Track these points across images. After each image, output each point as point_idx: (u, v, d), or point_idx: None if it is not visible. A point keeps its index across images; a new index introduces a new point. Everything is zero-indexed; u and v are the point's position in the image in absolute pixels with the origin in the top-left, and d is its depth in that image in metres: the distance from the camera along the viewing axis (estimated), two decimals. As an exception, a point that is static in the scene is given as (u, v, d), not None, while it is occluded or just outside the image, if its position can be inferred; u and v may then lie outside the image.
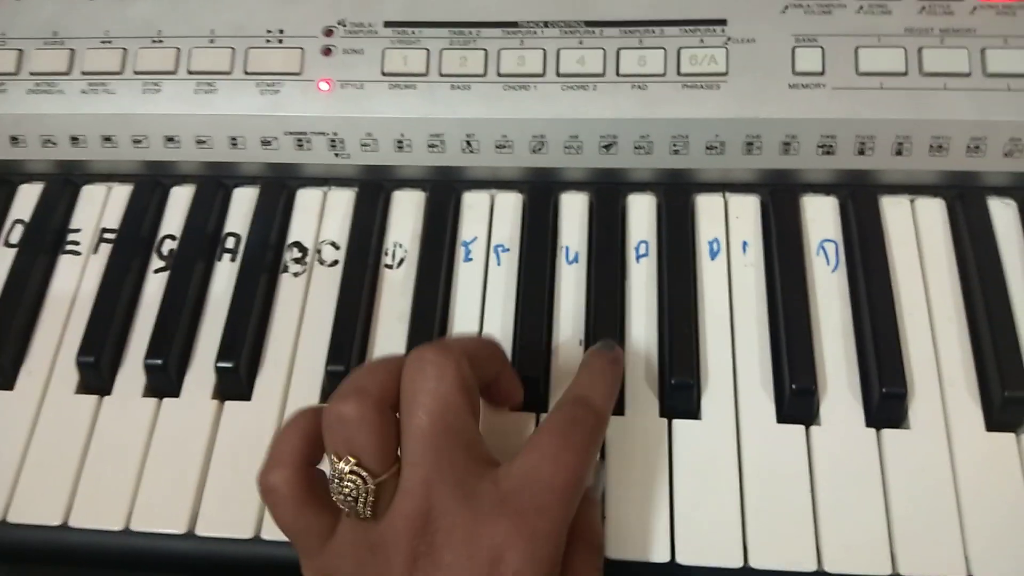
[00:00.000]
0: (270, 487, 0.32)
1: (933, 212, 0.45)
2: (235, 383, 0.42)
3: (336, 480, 0.31)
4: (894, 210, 0.45)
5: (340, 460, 0.31)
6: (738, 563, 0.37)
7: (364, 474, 0.30)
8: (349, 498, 0.31)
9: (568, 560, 0.32)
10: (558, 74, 0.44)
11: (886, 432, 0.39)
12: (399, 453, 0.32)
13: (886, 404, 0.39)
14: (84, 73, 0.47)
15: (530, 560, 0.30)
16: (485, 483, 0.31)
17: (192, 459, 0.40)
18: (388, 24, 0.46)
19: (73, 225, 0.48)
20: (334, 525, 0.32)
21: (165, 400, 0.42)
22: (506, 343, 0.42)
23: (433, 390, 0.31)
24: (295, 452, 0.32)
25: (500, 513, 0.30)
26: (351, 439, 0.31)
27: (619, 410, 0.40)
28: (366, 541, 0.31)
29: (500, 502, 0.31)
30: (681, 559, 0.37)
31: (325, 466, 0.32)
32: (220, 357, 0.42)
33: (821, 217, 0.45)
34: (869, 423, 0.39)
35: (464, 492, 0.31)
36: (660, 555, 0.37)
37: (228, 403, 0.42)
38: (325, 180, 0.48)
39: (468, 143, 0.45)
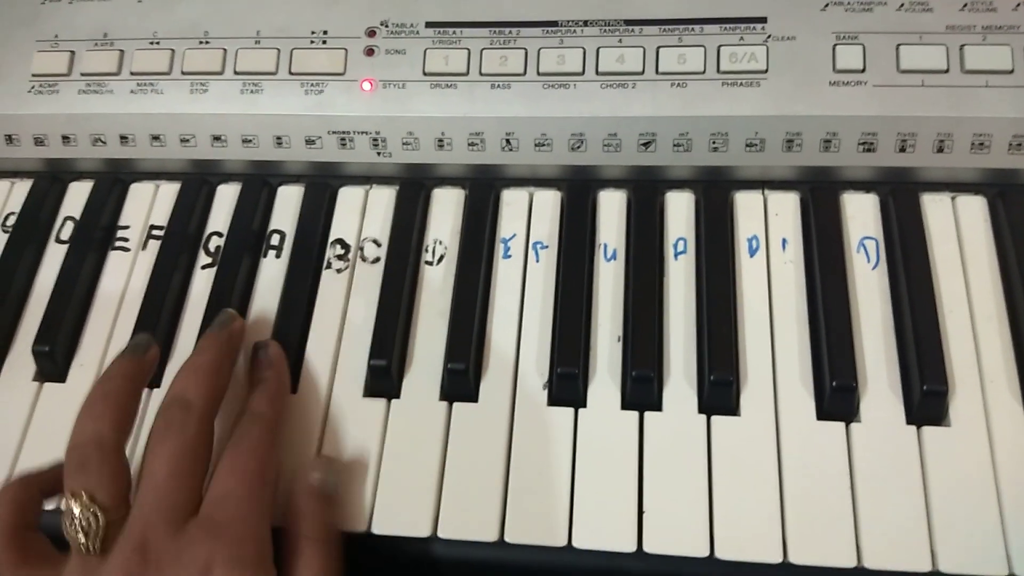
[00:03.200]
0: None
1: (974, 210, 0.44)
2: (281, 377, 0.43)
3: (69, 519, 0.34)
4: (935, 208, 0.44)
5: (75, 499, 0.34)
6: (778, 559, 0.37)
7: (97, 511, 0.34)
8: (80, 534, 0.34)
9: (293, 555, 0.35)
10: (597, 72, 0.45)
11: (926, 429, 0.39)
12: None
13: (927, 402, 0.39)
14: (133, 73, 0.48)
15: (233, 564, 0.33)
16: (194, 516, 0.35)
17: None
18: (429, 24, 0.47)
19: (122, 222, 0.49)
20: None
21: (213, 393, 0.43)
22: (544, 339, 0.43)
23: (174, 445, 0.36)
24: (5, 520, 0.36)
25: (200, 536, 0.34)
26: (86, 479, 0.35)
27: (657, 406, 0.41)
28: None
29: (199, 526, 0.34)
30: (720, 554, 0.37)
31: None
32: (266, 351, 0.43)
33: (861, 214, 0.45)
34: (910, 420, 0.39)
35: (176, 529, 0.34)
36: (699, 550, 0.37)
37: (274, 397, 0.43)
38: (367, 178, 0.49)
39: (508, 141, 0.46)
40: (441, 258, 0.46)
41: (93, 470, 0.35)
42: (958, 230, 0.44)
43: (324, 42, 0.47)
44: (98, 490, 0.35)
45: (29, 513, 0.37)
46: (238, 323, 0.42)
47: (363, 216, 0.48)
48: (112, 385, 0.39)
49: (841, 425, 0.39)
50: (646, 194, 0.46)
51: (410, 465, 0.40)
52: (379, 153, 0.47)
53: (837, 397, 0.39)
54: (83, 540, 0.34)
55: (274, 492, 0.37)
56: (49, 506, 0.38)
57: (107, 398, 0.38)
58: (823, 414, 0.40)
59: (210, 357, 0.40)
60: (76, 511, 0.34)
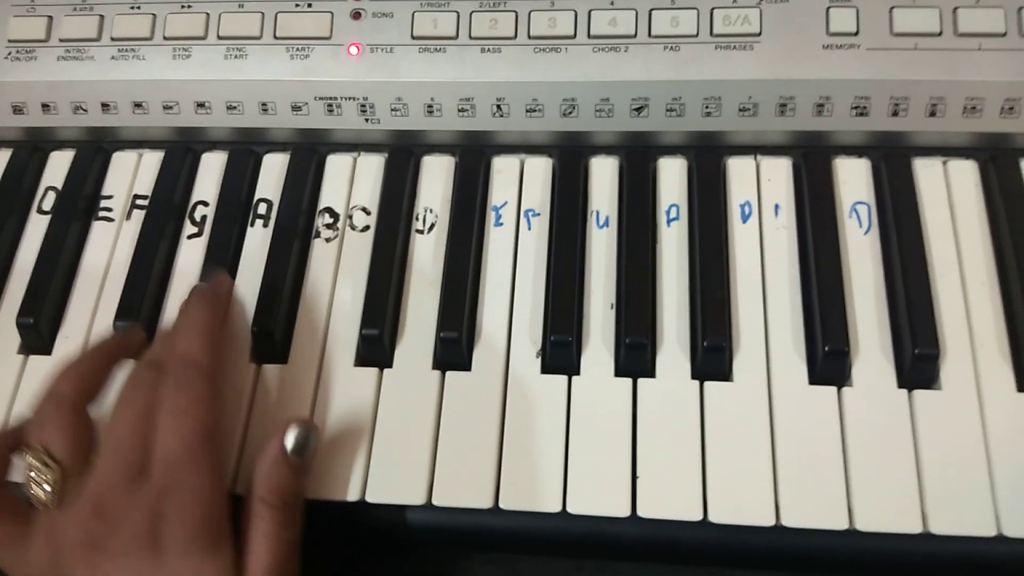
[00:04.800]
0: None
1: (966, 174, 0.44)
2: (271, 347, 0.42)
3: (27, 472, 0.35)
4: (927, 172, 0.44)
5: (32, 453, 0.35)
6: (770, 522, 0.37)
7: (50, 462, 0.35)
8: (35, 486, 0.34)
9: (250, 518, 0.36)
10: (589, 36, 0.44)
11: (918, 393, 0.39)
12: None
13: (918, 365, 0.39)
14: (114, 39, 0.47)
15: (182, 524, 0.33)
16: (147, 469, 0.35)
17: (233, 423, 0.41)
18: (418, -13, 0.46)
19: (105, 192, 0.48)
20: (28, 536, 0.35)
21: (202, 364, 0.43)
22: (537, 307, 0.43)
23: (136, 406, 0.36)
24: None
25: (150, 495, 0.34)
26: (42, 434, 0.36)
27: (650, 373, 0.41)
28: (49, 539, 0.34)
29: (150, 487, 0.34)
30: (714, 518, 0.38)
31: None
32: (256, 322, 0.42)
33: (854, 179, 0.44)
34: (901, 384, 0.40)
35: (131, 486, 0.34)
36: (692, 514, 0.38)
37: (265, 366, 0.42)
38: (355, 146, 0.48)
39: (498, 107, 0.45)
40: (432, 226, 0.46)
41: (49, 425, 0.36)
42: (949, 194, 0.44)
43: (310, 5, 0.46)
44: (53, 444, 0.35)
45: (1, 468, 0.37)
46: (226, 283, 0.42)
47: (352, 184, 0.47)
48: (84, 354, 0.39)
49: (833, 389, 0.40)
50: (638, 160, 0.46)
51: (404, 434, 0.40)
52: (367, 119, 0.47)
53: (829, 361, 0.39)
54: (39, 493, 0.34)
55: (220, 442, 0.37)
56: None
57: (76, 364, 0.38)
58: (815, 378, 0.40)
59: (192, 321, 0.39)
60: (34, 463, 0.35)
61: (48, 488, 0.34)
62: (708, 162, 0.45)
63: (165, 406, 0.36)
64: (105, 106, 0.48)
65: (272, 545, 0.35)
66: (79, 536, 0.33)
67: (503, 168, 0.47)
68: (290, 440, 0.36)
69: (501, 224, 0.45)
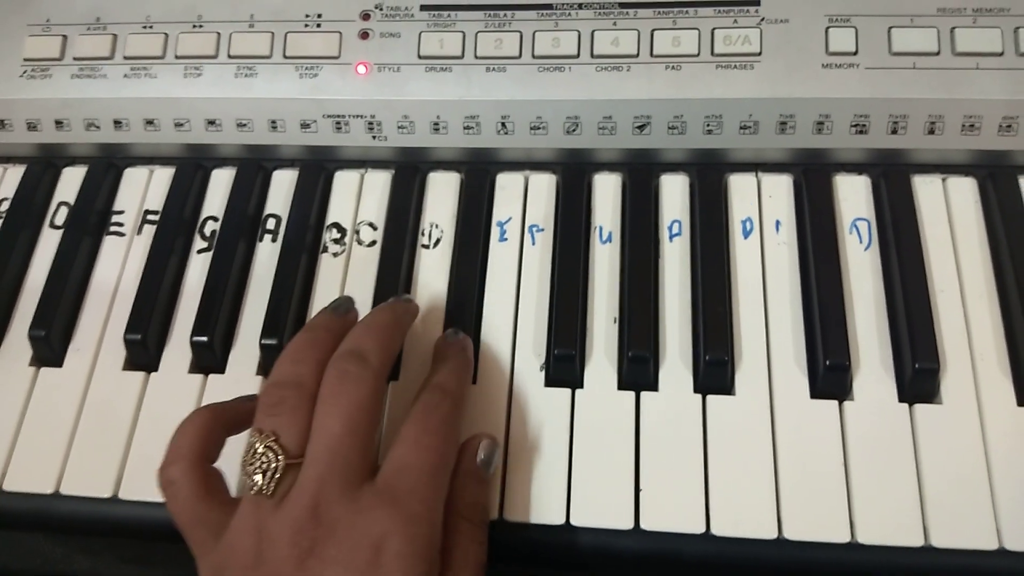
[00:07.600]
0: (169, 480, 0.34)
1: (965, 191, 0.45)
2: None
3: (250, 454, 0.33)
4: (926, 189, 0.45)
5: (261, 437, 0.34)
6: (773, 535, 0.38)
7: (279, 451, 0.33)
8: (257, 472, 0.33)
9: (450, 535, 0.35)
10: (592, 55, 0.45)
11: (918, 407, 0.40)
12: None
13: (919, 379, 0.39)
14: (127, 58, 0.48)
15: (408, 541, 0.32)
16: (368, 482, 0.33)
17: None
18: (424, 8, 0.47)
19: (117, 207, 0.49)
20: (226, 522, 0.33)
21: (211, 376, 0.44)
22: (541, 322, 0.43)
23: (349, 401, 0.34)
24: (192, 447, 0.35)
25: (377, 505, 0.32)
26: (277, 420, 0.34)
27: (653, 386, 0.41)
28: (258, 531, 0.32)
29: (376, 494, 0.33)
30: (716, 531, 0.38)
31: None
32: (264, 335, 0.43)
33: (854, 196, 0.45)
34: (902, 398, 0.40)
35: (350, 492, 0.33)
36: (695, 527, 0.38)
37: (272, 379, 0.43)
38: (362, 162, 0.49)
39: (503, 125, 0.46)
40: (437, 242, 0.46)
41: (286, 411, 0.34)
42: (949, 211, 0.44)
43: (319, 25, 0.47)
44: (286, 433, 0.34)
45: (212, 445, 0.36)
46: (414, 305, 0.42)
47: (359, 200, 0.48)
48: (316, 335, 0.37)
49: (834, 403, 0.40)
50: (641, 177, 0.46)
51: (409, 446, 0.40)
52: (375, 137, 0.47)
53: (830, 376, 0.40)
54: (259, 480, 0.33)
55: (451, 473, 0.36)
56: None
57: (313, 346, 0.37)
58: (817, 392, 0.40)
59: (386, 319, 0.38)
60: (259, 449, 0.33)
61: (268, 476, 0.33)
62: (709, 179, 0.46)
63: (414, 413, 0.35)
64: (117, 123, 0.49)
65: (473, 565, 0.34)
66: (293, 537, 0.31)
67: (508, 184, 0.47)
68: (482, 454, 0.37)
69: (505, 239, 0.46)
